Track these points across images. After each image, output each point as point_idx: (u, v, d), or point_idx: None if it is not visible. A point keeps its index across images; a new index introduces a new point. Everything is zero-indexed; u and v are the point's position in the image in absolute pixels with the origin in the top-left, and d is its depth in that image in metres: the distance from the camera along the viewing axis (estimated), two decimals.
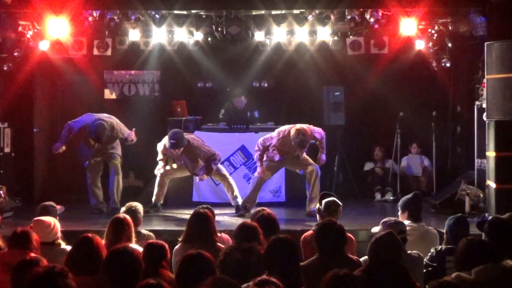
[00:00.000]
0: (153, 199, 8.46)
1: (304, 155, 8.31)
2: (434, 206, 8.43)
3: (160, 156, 8.35)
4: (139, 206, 5.69)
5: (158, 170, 8.31)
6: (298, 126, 8.07)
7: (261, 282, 3.01)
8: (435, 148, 9.79)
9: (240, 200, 8.35)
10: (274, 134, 8.25)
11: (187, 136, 8.28)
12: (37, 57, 9.41)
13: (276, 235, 3.92)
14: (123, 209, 5.70)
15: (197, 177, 8.35)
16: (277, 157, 8.24)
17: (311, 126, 8.25)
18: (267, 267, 3.61)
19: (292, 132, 7.99)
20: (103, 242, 4.89)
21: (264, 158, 8.25)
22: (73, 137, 8.45)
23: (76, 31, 9.10)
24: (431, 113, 9.81)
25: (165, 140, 8.25)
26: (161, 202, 8.52)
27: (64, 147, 8.40)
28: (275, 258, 3.66)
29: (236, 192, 8.41)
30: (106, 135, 8.18)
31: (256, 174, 8.33)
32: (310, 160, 8.30)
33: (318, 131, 8.22)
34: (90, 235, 4.22)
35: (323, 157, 8.23)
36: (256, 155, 8.26)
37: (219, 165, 8.48)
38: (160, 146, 8.35)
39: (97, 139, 8.18)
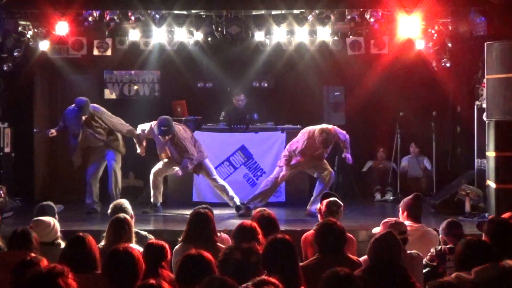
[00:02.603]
0: (152, 200, 8.45)
1: (324, 160, 8.32)
2: (434, 206, 8.42)
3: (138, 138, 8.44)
4: (125, 203, 5.68)
5: (139, 151, 8.48)
6: (324, 125, 8.12)
7: (260, 282, 3.00)
8: (435, 148, 9.79)
9: (237, 200, 8.37)
10: (299, 136, 8.21)
11: (175, 125, 8.29)
12: (37, 57, 9.42)
13: (274, 235, 3.92)
14: (111, 207, 5.70)
15: (176, 173, 8.36)
16: (298, 158, 8.22)
17: (336, 127, 8.26)
18: (266, 267, 3.61)
19: (316, 131, 8.01)
20: (103, 242, 4.92)
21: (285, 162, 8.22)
22: (65, 122, 8.53)
23: (76, 31, 9.11)
24: (431, 113, 9.81)
25: (148, 125, 8.32)
26: (160, 201, 8.51)
27: (54, 132, 8.53)
28: (273, 258, 3.66)
29: (231, 193, 8.42)
30: (87, 109, 8.27)
31: (278, 175, 8.25)
32: (328, 165, 8.33)
33: (342, 132, 8.24)
34: (81, 234, 4.23)
35: (349, 156, 8.23)
36: (283, 160, 8.20)
37: (210, 168, 8.52)
38: (143, 128, 8.37)
39: (79, 109, 8.24)
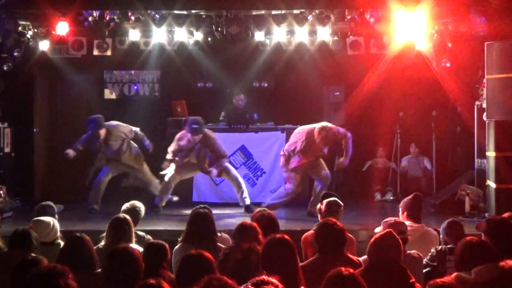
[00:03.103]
0: (157, 201, 8.46)
1: (322, 160, 8.29)
2: (434, 206, 8.43)
3: (169, 156, 8.36)
4: (142, 207, 5.72)
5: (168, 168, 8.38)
6: (323, 123, 8.07)
7: (260, 282, 3.00)
8: (435, 148, 9.79)
9: (248, 201, 8.39)
10: (297, 136, 8.13)
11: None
12: (37, 57, 9.42)
13: (272, 235, 3.92)
14: (126, 205, 5.70)
15: (210, 175, 8.38)
16: (300, 160, 8.17)
17: (335, 126, 8.21)
18: (265, 267, 3.61)
19: (316, 129, 7.97)
20: (103, 242, 4.92)
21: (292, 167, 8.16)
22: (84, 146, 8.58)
23: (76, 31, 9.11)
24: (431, 113, 9.80)
25: (174, 143, 8.31)
26: (163, 204, 8.51)
27: (71, 153, 8.42)
28: (272, 258, 3.66)
29: (246, 194, 8.44)
30: (102, 122, 8.36)
31: (293, 186, 8.17)
32: (324, 166, 8.31)
33: (342, 130, 8.15)
34: (78, 234, 4.25)
35: (346, 161, 8.17)
36: (281, 160, 8.18)
37: (229, 166, 8.55)
38: (172, 150, 8.34)
39: (94, 123, 8.32)
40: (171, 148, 8.37)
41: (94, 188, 8.58)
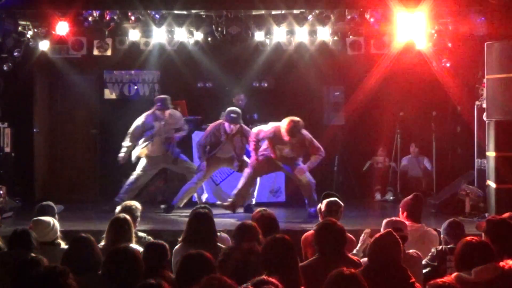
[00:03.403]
0: (175, 200, 8.40)
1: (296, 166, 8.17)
2: (434, 206, 8.43)
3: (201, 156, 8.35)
4: (136, 205, 5.68)
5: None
6: (294, 117, 7.91)
7: (260, 282, 3.00)
8: (435, 148, 9.79)
9: (253, 201, 8.42)
10: (268, 127, 8.15)
11: None
12: (37, 57, 9.43)
13: (272, 235, 3.92)
14: (118, 208, 5.70)
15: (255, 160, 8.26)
16: (268, 153, 8.13)
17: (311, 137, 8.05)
18: (265, 267, 3.61)
19: (285, 121, 7.82)
20: (103, 242, 4.92)
21: (260, 154, 8.11)
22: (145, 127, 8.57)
23: (76, 31, 9.11)
24: (431, 113, 9.80)
25: (206, 133, 8.34)
26: (181, 206, 8.46)
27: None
28: (272, 258, 3.66)
29: (255, 194, 8.46)
30: (169, 105, 8.59)
31: (248, 167, 8.18)
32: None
33: (317, 144, 7.96)
34: (84, 234, 4.24)
35: (304, 167, 7.95)
36: (251, 146, 8.15)
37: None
38: (201, 142, 8.33)
39: (162, 103, 8.53)
40: (202, 142, 8.36)
41: (130, 186, 8.42)
